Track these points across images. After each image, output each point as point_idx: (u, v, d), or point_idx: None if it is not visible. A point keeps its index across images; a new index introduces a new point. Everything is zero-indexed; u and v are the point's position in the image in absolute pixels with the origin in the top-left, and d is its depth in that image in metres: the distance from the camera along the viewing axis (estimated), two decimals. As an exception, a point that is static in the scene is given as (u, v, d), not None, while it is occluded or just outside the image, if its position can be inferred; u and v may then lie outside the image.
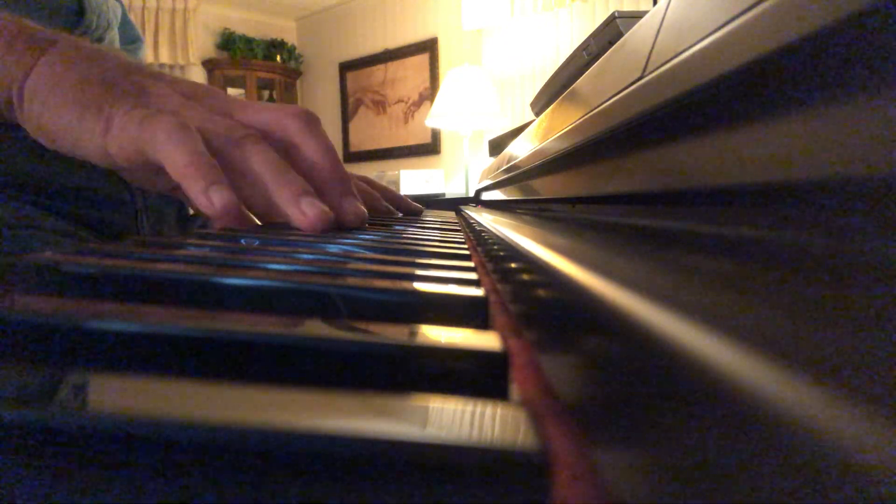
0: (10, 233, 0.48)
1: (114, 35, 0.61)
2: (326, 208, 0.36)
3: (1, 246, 0.46)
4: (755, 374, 0.06)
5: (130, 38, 0.74)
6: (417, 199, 0.89)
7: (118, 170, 0.39)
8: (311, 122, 0.41)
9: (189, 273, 0.18)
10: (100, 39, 0.58)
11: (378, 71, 4.06)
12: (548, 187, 0.44)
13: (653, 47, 0.21)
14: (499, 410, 0.10)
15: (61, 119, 0.37)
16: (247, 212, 0.42)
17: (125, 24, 0.70)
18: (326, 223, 0.36)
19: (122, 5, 0.66)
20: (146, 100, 0.37)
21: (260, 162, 0.37)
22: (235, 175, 0.38)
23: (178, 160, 0.34)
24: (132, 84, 0.38)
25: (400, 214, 0.68)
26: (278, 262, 0.21)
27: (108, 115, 0.36)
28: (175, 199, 0.69)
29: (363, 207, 0.42)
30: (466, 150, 2.95)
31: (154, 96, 0.38)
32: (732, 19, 0.14)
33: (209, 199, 0.33)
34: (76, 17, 0.54)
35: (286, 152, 0.41)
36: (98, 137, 0.36)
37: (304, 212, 0.36)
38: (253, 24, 4.35)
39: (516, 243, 0.23)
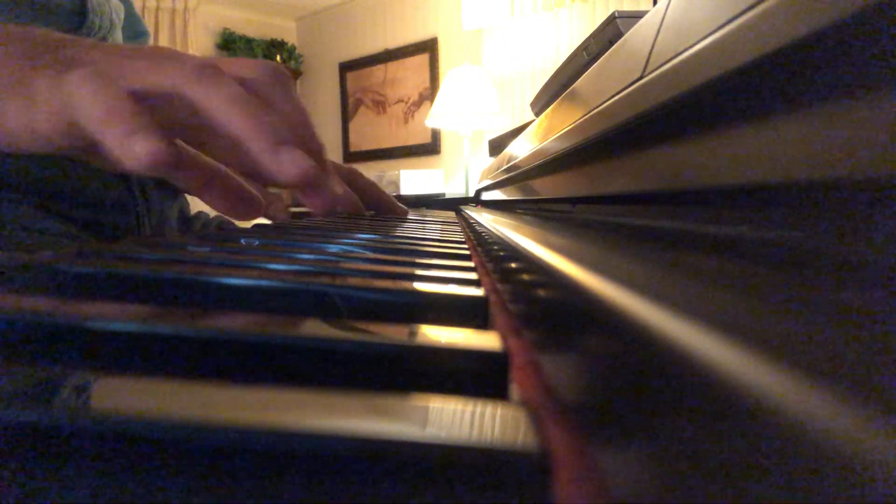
0: (13, 235, 0.48)
1: (118, 36, 0.61)
2: (312, 162, 0.30)
3: (3, 247, 0.46)
4: (754, 373, 0.06)
5: (137, 33, 0.73)
6: (417, 199, 0.89)
7: (66, 153, 0.33)
8: (282, 76, 0.35)
9: (188, 273, 0.18)
10: (103, 39, 0.58)
11: (378, 71, 4.06)
12: (548, 187, 0.44)
13: (653, 47, 0.21)
14: (499, 410, 0.10)
15: None
16: (196, 154, 0.35)
17: (131, 17, 0.70)
18: (310, 180, 0.30)
19: (126, 2, 0.66)
20: (75, 67, 0.30)
21: (223, 100, 0.29)
22: (195, 132, 0.31)
23: (92, 111, 0.28)
24: (62, 55, 0.31)
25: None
26: (278, 262, 0.21)
27: (31, 90, 0.30)
28: (177, 201, 0.69)
29: (345, 187, 0.37)
30: (466, 150, 2.95)
31: (86, 62, 0.31)
32: (732, 19, 0.14)
33: (131, 149, 0.27)
34: (79, 19, 0.54)
35: None
36: (23, 117, 0.30)
37: (281, 165, 0.30)
38: (253, 24, 4.35)
39: (516, 243, 0.23)
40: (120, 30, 0.62)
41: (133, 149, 0.27)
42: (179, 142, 0.39)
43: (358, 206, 0.49)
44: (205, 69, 0.30)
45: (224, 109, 0.30)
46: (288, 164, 0.30)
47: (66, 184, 0.54)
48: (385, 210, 0.65)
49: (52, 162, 0.52)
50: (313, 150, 0.35)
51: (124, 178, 0.59)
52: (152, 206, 0.63)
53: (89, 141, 0.29)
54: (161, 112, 0.31)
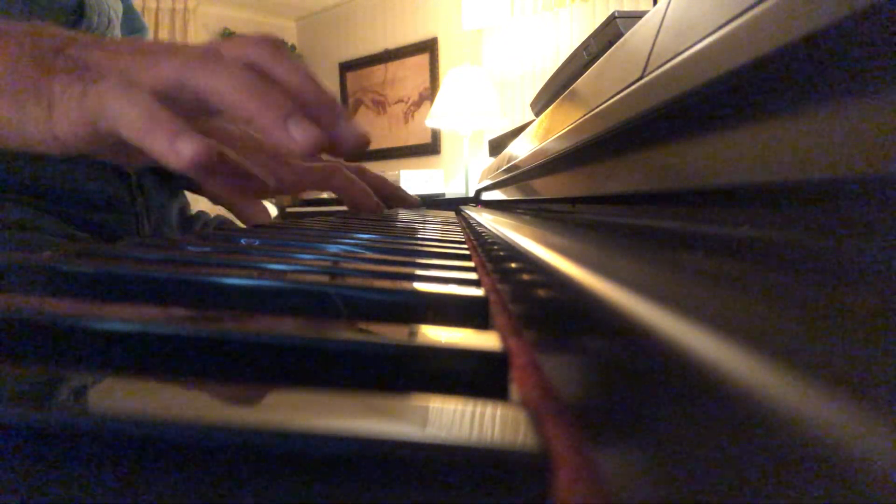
0: (11, 235, 0.48)
1: (116, 34, 0.61)
2: (319, 130, 0.32)
3: (2, 248, 0.46)
4: (754, 373, 0.06)
5: (135, 29, 0.73)
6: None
7: (86, 154, 0.35)
8: (278, 45, 0.35)
9: (188, 273, 0.18)
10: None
11: (378, 71, 4.06)
12: (548, 187, 0.44)
13: (653, 47, 0.21)
14: (499, 410, 0.10)
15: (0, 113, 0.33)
16: (230, 154, 0.36)
17: (129, 13, 0.70)
18: (321, 148, 0.32)
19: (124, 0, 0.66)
20: (86, 72, 0.33)
21: (228, 85, 0.31)
22: (207, 129, 0.33)
23: (133, 122, 0.30)
24: (68, 59, 0.33)
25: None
26: (278, 263, 0.21)
27: (49, 96, 0.32)
28: (177, 200, 0.69)
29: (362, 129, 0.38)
30: (466, 150, 2.94)
31: (95, 66, 0.33)
32: (732, 19, 0.14)
33: (177, 152, 0.29)
34: (76, 16, 0.54)
35: None
36: (43, 124, 0.32)
37: (292, 136, 0.31)
38: (253, 24, 4.34)
39: (516, 243, 0.23)
40: (119, 27, 0.62)
41: (181, 152, 0.29)
42: None
43: (372, 199, 0.50)
44: (205, 57, 0.32)
45: (230, 93, 0.31)
46: (298, 136, 0.31)
47: (64, 184, 0.54)
48: (397, 202, 0.66)
49: (49, 162, 0.52)
50: (324, 110, 0.36)
51: (123, 177, 0.59)
52: (152, 206, 0.63)
53: (119, 144, 0.31)
54: (177, 104, 0.32)
